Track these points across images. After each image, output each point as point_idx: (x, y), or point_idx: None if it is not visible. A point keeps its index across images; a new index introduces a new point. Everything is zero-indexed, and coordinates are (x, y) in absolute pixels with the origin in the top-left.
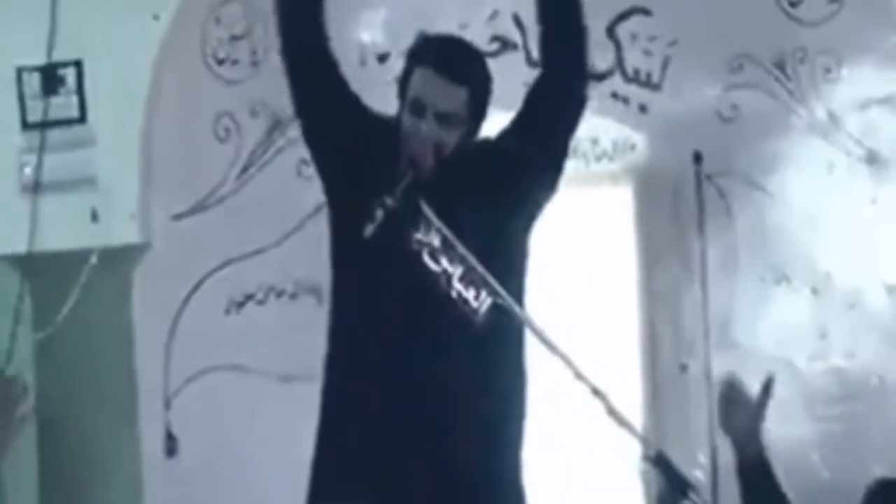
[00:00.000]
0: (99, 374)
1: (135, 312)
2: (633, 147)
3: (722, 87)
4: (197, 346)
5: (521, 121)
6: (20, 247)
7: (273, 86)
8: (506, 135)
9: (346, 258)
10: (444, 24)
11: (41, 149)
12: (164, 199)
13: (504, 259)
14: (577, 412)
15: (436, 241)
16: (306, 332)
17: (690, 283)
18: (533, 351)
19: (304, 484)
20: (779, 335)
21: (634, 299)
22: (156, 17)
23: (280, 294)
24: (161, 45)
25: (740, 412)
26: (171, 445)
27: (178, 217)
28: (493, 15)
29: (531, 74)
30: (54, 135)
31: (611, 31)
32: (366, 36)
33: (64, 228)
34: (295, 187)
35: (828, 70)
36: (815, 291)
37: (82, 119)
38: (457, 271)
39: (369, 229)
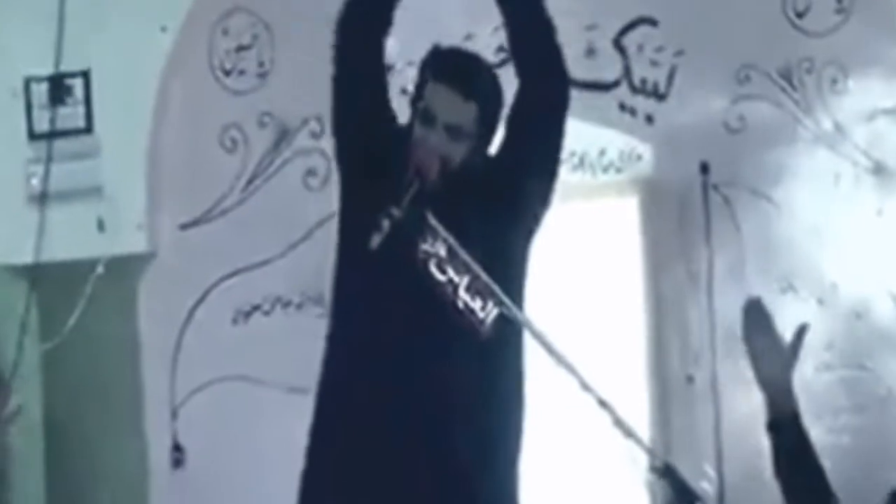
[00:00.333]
0: (105, 385)
1: (141, 322)
2: (639, 157)
3: (728, 97)
4: (203, 357)
5: (510, 132)
6: (27, 257)
7: (280, 96)
8: (501, 146)
9: (352, 267)
10: (450, 35)
11: (48, 159)
12: (170, 209)
13: (504, 269)
14: (583, 423)
15: (442, 251)
16: (312, 343)
17: (697, 293)
18: (539, 362)
19: None
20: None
21: (641, 309)
22: (163, 29)
23: (286, 305)
24: (168, 56)
25: (771, 351)
26: (177, 456)
27: (184, 227)
28: (499, 26)
29: None
30: (61, 145)
31: (617, 42)
32: None
33: (70, 238)
34: (301, 198)
35: (834, 81)
36: (821, 302)
37: (89, 129)
38: (463, 281)
39: (376, 240)
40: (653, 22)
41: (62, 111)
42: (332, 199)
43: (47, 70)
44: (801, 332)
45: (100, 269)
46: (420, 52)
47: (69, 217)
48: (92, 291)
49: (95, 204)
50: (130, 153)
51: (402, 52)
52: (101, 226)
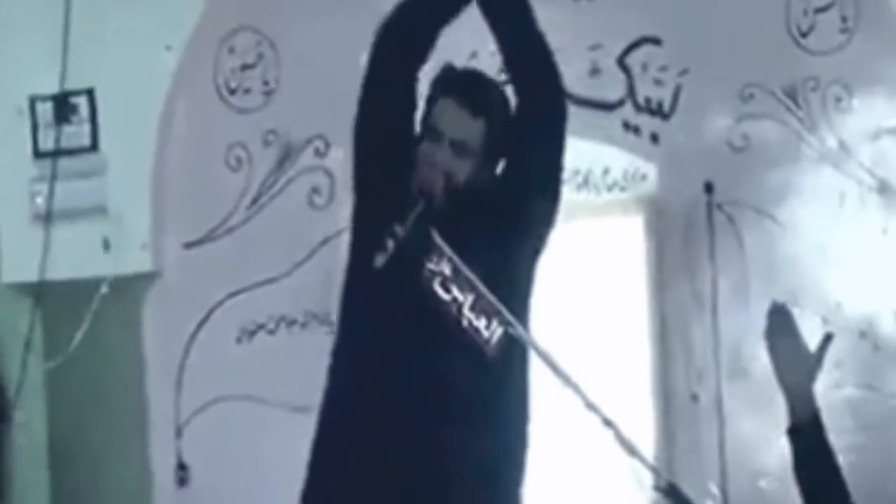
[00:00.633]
0: (110, 403)
1: (146, 341)
2: (644, 177)
3: (733, 116)
4: (208, 376)
5: (510, 155)
6: (31, 275)
7: (285, 115)
8: (504, 165)
9: (359, 284)
10: (454, 53)
11: (53, 177)
12: (175, 228)
13: (510, 289)
14: (587, 442)
15: (447, 270)
16: (317, 362)
17: (701, 312)
18: (544, 380)
19: None
20: None
21: (645, 328)
22: (168, 48)
23: (291, 323)
24: (173, 75)
25: (795, 357)
26: (182, 475)
27: (189, 246)
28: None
29: None
30: (66, 163)
31: (622, 61)
32: None
33: (75, 257)
34: (306, 217)
35: (839, 100)
36: (826, 320)
37: (94, 148)
38: (468, 300)
39: (380, 259)
40: (657, 41)
41: (67, 130)
42: (336, 217)
43: (52, 88)
44: (827, 340)
45: (104, 288)
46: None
47: (74, 236)
48: (96, 310)
49: (100, 223)
50: (135, 172)
51: None
52: (105, 245)
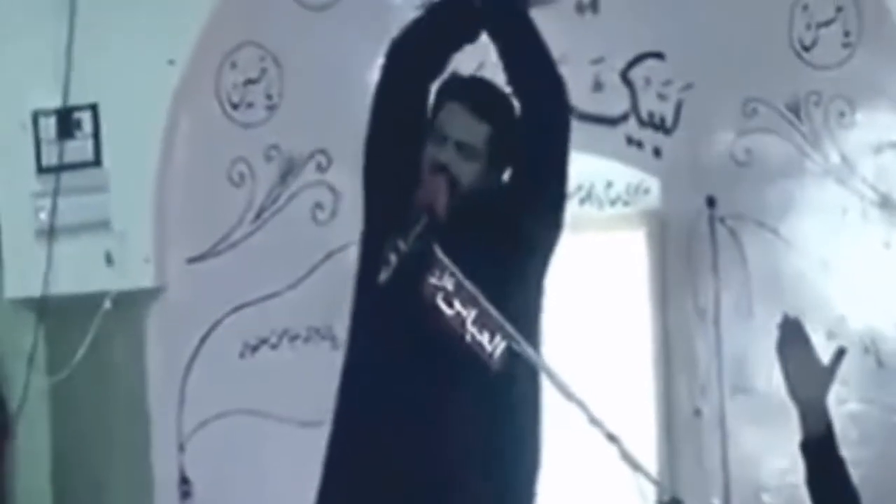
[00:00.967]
0: (113, 418)
1: (149, 356)
2: (647, 191)
3: (736, 130)
4: (211, 390)
5: (515, 164)
6: (34, 290)
7: (287, 130)
8: (510, 176)
9: (366, 299)
10: (460, 64)
11: (56, 192)
12: (178, 243)
13: (517, 303)
14: (591, 456)
15: (449, 285)
16: (320, 377)
17: (704, 326)
18: (548, 395)
19: None
20: None
21: (648, 342)
22: (171, 62)
23: (294, 338)
24: (176, 90)
25: (808, 370)
26: (185, 489)
27: (192, 261)
28: None
29: None
30: (69, 178)
31: (625, 76)
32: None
33: (78, 272)
34: (309, 232)
35: (842, 114)
36: (829, 335)
37: (97, 163)
38: (470, 315)
39: (383, 274)
40: (660, 56)
41: (70, 145)
42: (339, 232)
43: (55, 103)
44: (841, 354)
45: (107, 304)
46: None
47: (77, 251)
48: (99, 325)
49: (103, 238)
50: (138, 187)
51: None
52: (108, 259)
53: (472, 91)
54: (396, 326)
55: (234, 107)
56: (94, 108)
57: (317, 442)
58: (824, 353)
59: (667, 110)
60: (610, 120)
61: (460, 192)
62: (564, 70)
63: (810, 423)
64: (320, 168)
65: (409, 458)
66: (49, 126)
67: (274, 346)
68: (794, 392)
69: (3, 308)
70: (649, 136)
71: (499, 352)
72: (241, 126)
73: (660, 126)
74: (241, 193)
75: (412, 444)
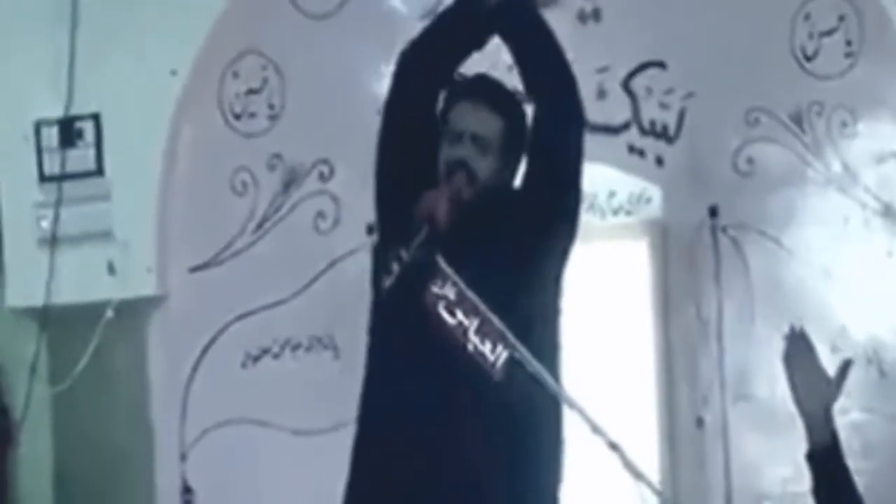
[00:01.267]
0: (115, 427)
1: (151, 365)
2: (649, 200)
3: (738, 140)
4: (213, 400)
5: (530, 166)
6: (37, 300)
7: (289, 139)
8: (523, 178)
9: (378, 312)
10: (468, 69)
11: (58, 202)
12: (180, 252)
13: (530, 311)
14: (593, 466)
15: (451, 294)
16: (322, 387)
17: (706, 336)
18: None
19: None
20: None
21: (650, 352)
22: (173, 72)
23: (296, 348)
24: (178, 99)
25: (814, 382)
26: (187, 498)
27: (194, 270)
28: (511, 67)
29: None
30: (72, 188)
31: (626, 85)
32: (384, 89)
33: (81, 281)
34: (311, 241)
35: (844, 124)
36: (832, 345)
37: (100, 172)
38: (473, 324)
39: (386, 283)
40: (662, 65)
41: (72, 154)
42: (341, 241)
43: (58, 113)
44: (847, 365)
45: (110, 313)
46: None
47: (79, 260)
48: (102, 335)
49: (106, 247)
50: (141, 196)
51: None
52: (111, 269)
53: (481, 88)
54: (402, 336)
55: (237, 116)
56: (96, 118)
57: (319, 451)
58: (826, 364)
59: (669, 119)
60: (612, 129)
61: (479, 186)
62: None
63: (816, 433)
64: (322, 177)
65: (428, 468)
66: (51, 135)
67: (276, 356)
68: (800, 403)
69: (5, 317)
70: (651, 145)
71: (501, 362)
72: (244, 135)
73: (662, 135)
74: (243, 203)
75: (430, 455)
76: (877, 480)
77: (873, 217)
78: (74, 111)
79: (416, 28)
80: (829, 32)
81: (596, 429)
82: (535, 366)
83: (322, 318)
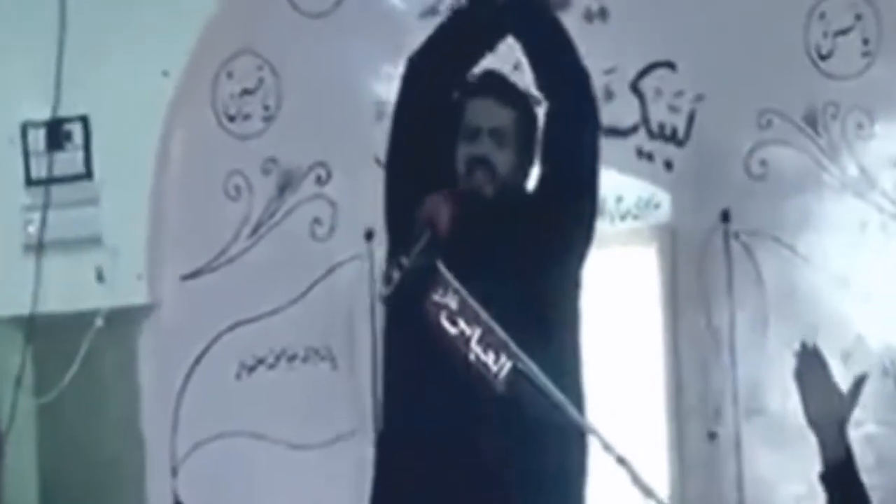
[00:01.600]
0: (104, 441)
1: (141, 376)
2: (658, 205)
3: (750, 142)
4: (206, 412)
5: (544, 167)
6: (22, 308)
7: (285, 142)
8: (538, 181)
9: (387, 321)
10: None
11: (45, 206)
12: (172, 258)
13: (549, 319)
14: (600, 482)
15: (453, 303)
16: (319, 399)
17: (718, 346)
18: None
19: None
20: None
21: (659, 363)
22: (165, 73)
23: (292, 358)
24: (170, 101)
25: (826, 399)
26: None
27: (186, 278)
28: (518, 65)
29: None
30: (59, 191)
31: (635, 86)
32: (384, 89)
33: (68, 289)
34: (307, 248)
35: (860, 126)
36: (847, 355)
37: (88, 175)
38: (475, 334)
39: (386, 291)
40: (671, 65)
41: (60, 157)
42: (339, 248)
43: (45, 115)
44: (861, 381)
45: (98, 322)
46: None
47: (67, 266)
48: (90, 344)
49: (94, 253)
50: (131, 200)
51: None
52: (100, 276)
53: (491, 83)
54: (405, 346)
55: (231, 118)
56: (84, 120)
57: (316, 466)
58: (841, 375)
59: (678, 122)
60: (620, 131)
61: (500, 181)
62: None
63: (830, 452)
64: (319, 181)
65: (450, 482)
66: (38, 138)
67: (271, 367)
68: (813, 421)
69: None
70: (660, 149)
71: (504, 373)
72: (238, 138)
73: (671, 138)
74: (237, 208)
75: (450, 469)
76: (892, 495)
77: (891, 222)
78: (62, 113)
79: (415, 26)
80: (845, 31)
81: (604, 443)
82: (539, 377)
83: (319, 327)
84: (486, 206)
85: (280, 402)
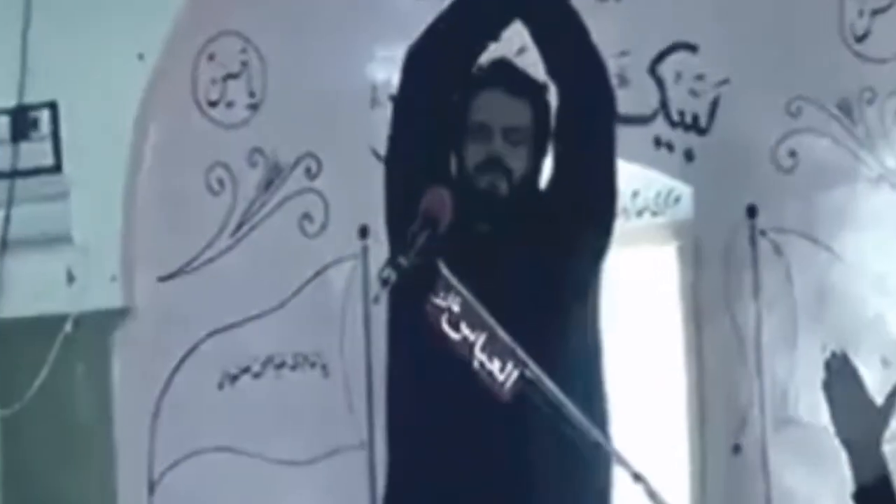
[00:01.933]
0: (74, 456)
1: (115, 386)
2: (678, 200)
3: (779, 132)
4: (185, 425)
5: (557, 156)
6: None
7: (272, 131)
8: (551, 176)
9: (390, 325)
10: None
11: (10, 201)
12: (148, 258)
13: (566, 322)
14: (617, 498)
15: (455, 306)
16: (309, 410)
17: (744, 352)
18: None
19: None
20: None
21: (681, 370)
22: (140, 56)
23: (279, 366)
24: (146, 87)
25: (858, 412)
26: None
27: (164, 279)
28: (521, 50)
29: None
30: (25, 185)
31: (653, 70)
32: (380, 74)
33: (35, 291)
34: (296, 246)
35: None
36: (884, 362)
37: (57, 168)
38: (479, 340)
39: (381, 292)
40: (692, 47)
41: (26, 147)
42: (330, 246)
43: (10, 102)
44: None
45: (68, 327)
46: None
47: (34, 267)
48: (59, 352)
49: (64, 252)
50: (103, 195)
51: None
52: (70, 277)
53: (503, 73)
54: (406, 352)
55: (212, 105)
56: (52, 107)
57: (306, 484)
58: (880, 383)
59: (700, 108)
60: (636, 119)
61: (514, 181)
62: None
63: (863, 470)
64: (309, 174)
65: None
66: (2, 126)
67: (257, 376)
68: (842, 436)
69: None
70: (680, 138)
71: (511, 381)
72: (221, 127)
73: (692, 126)
74: (219, 203)
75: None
76: None
77: None
78: (28, 99)
79: (414, 5)
80: (883, 10)
81: (619, 458)
82: (549, 387)
83: (309, 332)
84: (498, 206)
85: (266, 415)
